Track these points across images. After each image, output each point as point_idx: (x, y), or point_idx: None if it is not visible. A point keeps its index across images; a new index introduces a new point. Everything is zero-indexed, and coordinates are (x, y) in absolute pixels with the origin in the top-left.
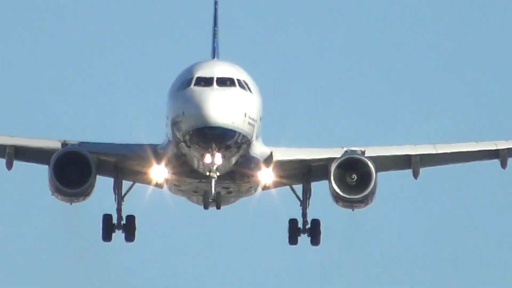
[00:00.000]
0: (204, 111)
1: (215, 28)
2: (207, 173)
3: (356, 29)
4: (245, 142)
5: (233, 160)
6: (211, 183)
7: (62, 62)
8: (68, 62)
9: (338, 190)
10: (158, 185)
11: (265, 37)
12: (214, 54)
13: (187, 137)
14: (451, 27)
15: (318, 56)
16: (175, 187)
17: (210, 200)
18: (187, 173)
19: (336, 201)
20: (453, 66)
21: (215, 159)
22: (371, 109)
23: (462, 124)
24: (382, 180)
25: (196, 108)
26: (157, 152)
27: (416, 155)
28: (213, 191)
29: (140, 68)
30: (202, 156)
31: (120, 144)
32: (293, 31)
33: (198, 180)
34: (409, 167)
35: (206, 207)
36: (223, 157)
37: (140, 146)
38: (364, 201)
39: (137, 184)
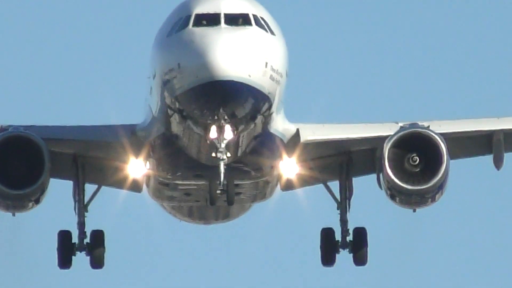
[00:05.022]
0: (209, 59)
1: None
2: (213, 154)
3: None
4: (265, 106)
5: (246, 138)
6: (219, 167)
7: None
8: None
9: (394, 179)
10: (135, 188)
11: None
12: None
13: (184, 101)
14: None
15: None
16: (160, 189)
17: (218, 192)
18: (180, 164)
19: (392, 197)
20: None
21: (224, 133)
22: (435, 73)
23: None
24: (452, 170)
25: (198, 56)
26: (135, 135)
27: (500, 130)
28: (221, 178)
29: (104, 21)
30: (205, 129)
31: (81, 127)
32: None
33: (195, 173)
34: (489, 151)
35: (212, 202)
36: (234, 130)
37: (109, 129)
38: (431, 194)
39: (105, 188)
